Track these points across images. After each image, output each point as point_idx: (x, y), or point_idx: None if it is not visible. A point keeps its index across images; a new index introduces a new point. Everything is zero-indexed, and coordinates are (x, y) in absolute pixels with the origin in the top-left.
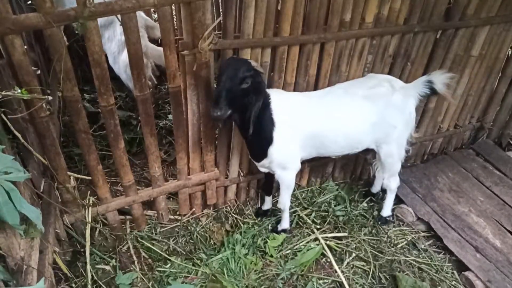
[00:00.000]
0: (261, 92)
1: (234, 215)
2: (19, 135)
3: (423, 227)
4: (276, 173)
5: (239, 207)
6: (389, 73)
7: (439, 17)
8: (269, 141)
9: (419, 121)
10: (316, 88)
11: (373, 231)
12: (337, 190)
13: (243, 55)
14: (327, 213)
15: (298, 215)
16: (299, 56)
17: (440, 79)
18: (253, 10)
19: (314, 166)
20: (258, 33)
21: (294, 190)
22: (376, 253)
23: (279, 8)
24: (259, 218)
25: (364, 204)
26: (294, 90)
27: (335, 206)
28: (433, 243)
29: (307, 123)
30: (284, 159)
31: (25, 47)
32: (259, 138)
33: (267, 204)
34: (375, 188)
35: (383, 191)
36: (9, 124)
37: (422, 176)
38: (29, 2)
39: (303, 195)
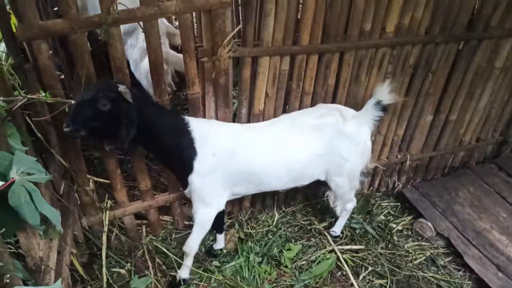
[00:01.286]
0: (130, 121)
1: (249, 223)
2: (41, 138)
3: (442, 243)
4: (194, 207)
5: (254, 215)
6: (410, 83)
7: (461, 28)
8: (188, 169)
9: (440, 132)
10: (334, 97)
11: (389, 245)
12: None
13: (262, 63)
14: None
15: (314, 227)
16: (318, 65)
17: (383, 93)
18: (273, 18)
19: None
20: (277, 41)
21: (309, 201)
22: (393, 268)
23: (298, 16)
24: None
25: (382, 217)
26: (313, 99)
27: (351, 218)
28: (452, 259)
29: (240, 157)
30: (205, 192)
31: (50, 52)
32: (179, 165)
33: (220, 244)
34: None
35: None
36: (32, 126)
37: (442, 190)
38: (55, 8)
39: (319, 206)
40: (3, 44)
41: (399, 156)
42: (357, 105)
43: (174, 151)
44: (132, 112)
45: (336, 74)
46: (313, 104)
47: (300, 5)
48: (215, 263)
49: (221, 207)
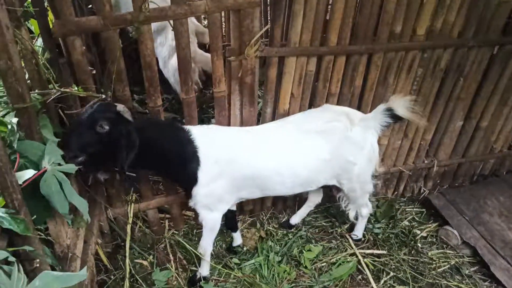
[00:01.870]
0: (130, 141)
1: (270, 222)
2: None
3: (468, 252)
4: (200, 214)
5: (275, 215)
6: (440, 87)
7: (496, 32)
8: (193, 181)
9: (469, 139)
10: (361, 99)
11: (413, 251)
12: (377, 206)
13: (288, 63)
14: (365, 229)
15: (336, 229)
16: (345, 66)
17: (400, 104)
18: (301, 19)
19: None
20: (304, 42)
21: (331, 203)
22: (416, 274)
23: (327, 17)
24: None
25: (406, 222)
26: (338, 101)
27: (374, 222)
28: (478, 269)
29: (243, 162)
30: (208, 200)
31: (84, 48)
32: (183, 177)
33: (237, 241)
34: (294, 220)
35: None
36: (64, 119)
37: (470, 198)
38: (90, 6)
39: (341, 208)
40: (40, 40)
41: (426, 161)
42: None
43: (177, 163)
44: (133, 132)
45: (364, 76)
46: (339, 105)
47: (329, 6)
48: (235, 260)
49: (226, 210)
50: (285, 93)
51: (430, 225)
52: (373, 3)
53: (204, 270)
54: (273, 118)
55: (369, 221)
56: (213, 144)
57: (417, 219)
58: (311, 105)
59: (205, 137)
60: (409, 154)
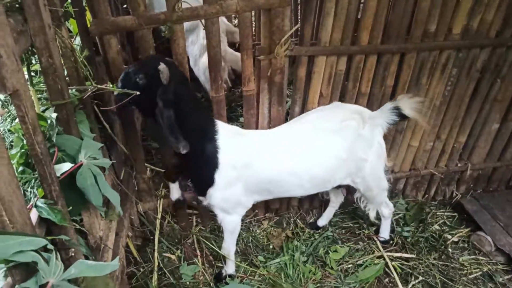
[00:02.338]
0: (164, 101)
1: (297, 221)
2: (107, 126)
3: (502, 259)
4: (218, 217)
5: (301, 215)
6: (476, 88)
7: None
8: (208, 182)
9: (506, 142)
10: (392, 99)
11: (443, 256)
12: (407, 209)
13: (318, 63)
14: (393, 232)
15: (363, 231)
16: (376, 65)
17: (407, 104)
18: (332, 18)
19: None
20: (335, 40)
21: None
22: (446, 280)
23: (359, 16)
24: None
25: (436, 226)
26: (369, 101)
27: (403, 225)
28: None
29: (261, 168)
30: (226, 204)
31: (119, 46)
32: (199, 175)
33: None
34: (321, 222)
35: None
36: (99, 115)
37: (505, 203)
38: (125, 6)
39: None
40: (78, 38)
41: (459, 165)
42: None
43: (197, 156)
44: (167, 94)
45: (395, 75)
46: (369, 105)
47: (361, 5)
48: (260, 258)
49: (244, 212)
50: (314, 92)
51: (462, 230)
52: (407, 1)
53: (229, 268)
54: None
55: (397, 224)
56: (233, 148)
57: (448, 223)
58: None
59: (227, 138)
60: (442, 156)
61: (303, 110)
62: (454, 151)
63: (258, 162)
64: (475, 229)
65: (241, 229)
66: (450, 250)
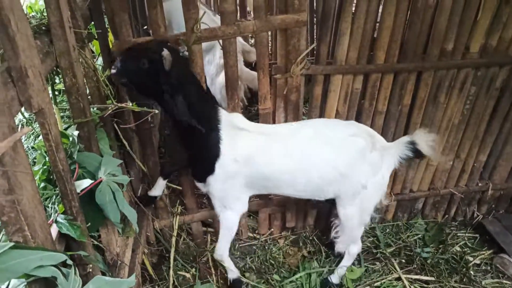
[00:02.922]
0: (171, 86)
1: (313, 240)
2: (126, 143)
3: None
4: (216, 211)
5: (318, 234)
6: (495, 107)
7: None
8: (208, 170)
9: None
10: (409, 118)
11: (464, 279)
12: (426, 229)
13: (334, 81)
14: (412, 253)
15: (381, 251)
16: (393, 84)
17: (424, 139)
18: (348, 37)
19: (402, 201)
20: (351, 59)
21: (373, 222)
22: None
23: (375, 35)
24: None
25: (457, 248)
26: (385, 119)
27: (422, 246)
28: None
29: (261, 163)
30: (224, 196)
31: None
32: (200, 163)
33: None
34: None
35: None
36: (119, 132)
37: None
38: (145, 27)
39: (387, 229)
40: (100, 59)
41: (480, 184)
42: (434, 127)
43: (200, 144)
44: (171, 80)
45: (412, 94)
46: (385, 124)
47: (377, 24)
48: (276, 277)
49: (244, 209)
50: (331, 110)
51: (484, 252)
52: (423, 20)
53: (230, 274)
54: None
55: (417, 244)
56: (235, 140)
57: (469, 245)
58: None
59: (230, 128)
60: (461, 176)
61: None
62: (474, 170)
63: (259, 158)
64: (498, 251)
65: (257, 247)
66: (472, 273)
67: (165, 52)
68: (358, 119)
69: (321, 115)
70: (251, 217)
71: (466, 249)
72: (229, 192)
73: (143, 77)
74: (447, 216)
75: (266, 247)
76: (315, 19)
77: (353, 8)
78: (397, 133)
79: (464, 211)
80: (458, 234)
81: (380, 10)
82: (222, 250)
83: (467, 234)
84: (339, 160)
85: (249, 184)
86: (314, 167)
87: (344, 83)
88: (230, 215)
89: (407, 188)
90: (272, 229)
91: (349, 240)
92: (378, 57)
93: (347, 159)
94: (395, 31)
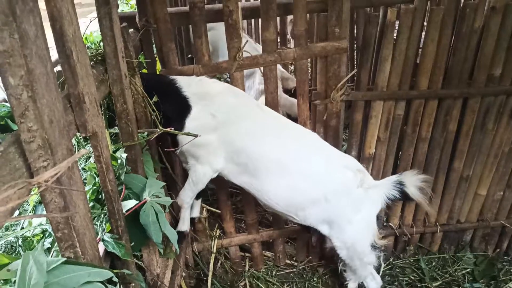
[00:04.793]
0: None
1: None
2: (168, 166)
3: None
4: (188, 163)
5: None
6: None
7: None
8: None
9: None
10: (455, 145)
11: None
12: (475, 263)
13: (375, 107)
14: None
15: (426, 285)
16: (437, 110)
17: (412, 181)
18: (390, 63)
19: (449, 232)
20: (392, 85)
21: (417, 254)
22: None
23: (417, 61)
24: None
25: (511, 284)
26: (430, 146)
27: (472, 281)
28: None
29: (257, 142)
30: (195, 148)
31: None
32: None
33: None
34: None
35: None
36: (163, 156)
37: None
38: (190, 56)
39: (433, 262)
40: None
41: None
42: (482, 154)
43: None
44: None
45: (458, 120)
46: (430, 151)
47: (420, 50)
48: None
49: (216, 167)
50: (371, 136)
51: None
52: (468, 46)
53: (181, 225)
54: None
55: (465, 279)
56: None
57: None
58: (399, 149)
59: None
60: None
61: (360, 154)
62: None
63: (236, 126)
64: None
65: (294, 274)
66: None
67: None
68: (400, 145)
69: (362, 141)
70: (289, 243)
71: None
72: (202, 144)
73: None
74: (498, 250)
75: (304, 275)
76: (355, 45)
77: (395, 35)
78: (442, 160)
79: None
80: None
81: (422, 36)
82: (183, 198)
83: None
84: (327, 182)
85: (227, 149)
86: (302, 173)
87: (386, 109)
88: (202, 169)
89: (454, 219)
90: (311, 257)
91: (361, 279)
92: (421, 83)
93: (334, 186)
94: (439, 57)
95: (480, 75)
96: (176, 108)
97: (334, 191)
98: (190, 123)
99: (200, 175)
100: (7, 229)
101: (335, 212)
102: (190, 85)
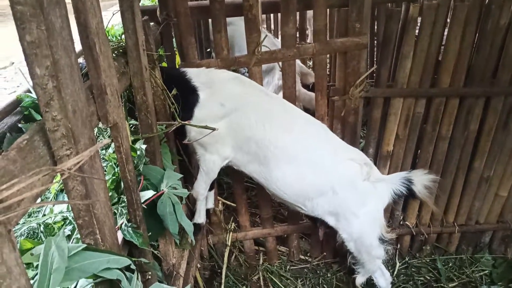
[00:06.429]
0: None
1: None
2: (186, 159)
3: None
4: (197, 153)
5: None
6: None
7: None
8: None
9: None
10: (476, 145)
11: None
12: (494, 265)
13: (395, 104)
14: None
15: (442, 285)
16: (458, 109)
17: (420, 179)
18: (410, 60)
19: (467, 232)
20: (413, 82)
21: (433, 254)
22: None
23: (439, 58)
24: None
25: None
26: (450, 145)
27: (489, 283)
28: None
29: (272, 133)
30: (204, 137)
31: None
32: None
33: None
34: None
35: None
36: (180, 148)
37: None
38: (208, 50)
39: (450, 263)
40: None
41: None
42: (504, 155)
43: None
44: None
45: (480, 119)
46: (450, 150)
47: (442, 47)
48: None
49: (225, 156)
50: (390, 134)
51: None
52: (493, 44)
53: (198, 218)
54: (375, 160)
55: (483, 281)
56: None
57: None
58: (418, 147)
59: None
60: None
61: (377, 152)
62: None
63: (249, 111)
64: None
65: (308, 270)
66: None
67: None
68: (419, 143)
69: (380, 138)
70: (303, 239)
71: None
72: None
73: None
74: None
75: (318, 271)
76: (375, 41)
77: (417, 31)
78: (462, 160)
79: None
80: None
81: (445, 32)
82: (197, 190)
83: None
84: (334, 174)
85: (240, 141)
86: (310, 162)
87: (405, 107)
88: (212, 159)
89: (473, 219)
90: (325, 253)
91: (370, 273)
92: (443, 81)
93: (340, 177)
94: (462, 55)
95: (504, 74)
96: (185, 98)
97: (340, 183)
98: (199, 112)
99: (210, 164)
100: (29, 215)
101: (341, 204)
102: (199, 75)
